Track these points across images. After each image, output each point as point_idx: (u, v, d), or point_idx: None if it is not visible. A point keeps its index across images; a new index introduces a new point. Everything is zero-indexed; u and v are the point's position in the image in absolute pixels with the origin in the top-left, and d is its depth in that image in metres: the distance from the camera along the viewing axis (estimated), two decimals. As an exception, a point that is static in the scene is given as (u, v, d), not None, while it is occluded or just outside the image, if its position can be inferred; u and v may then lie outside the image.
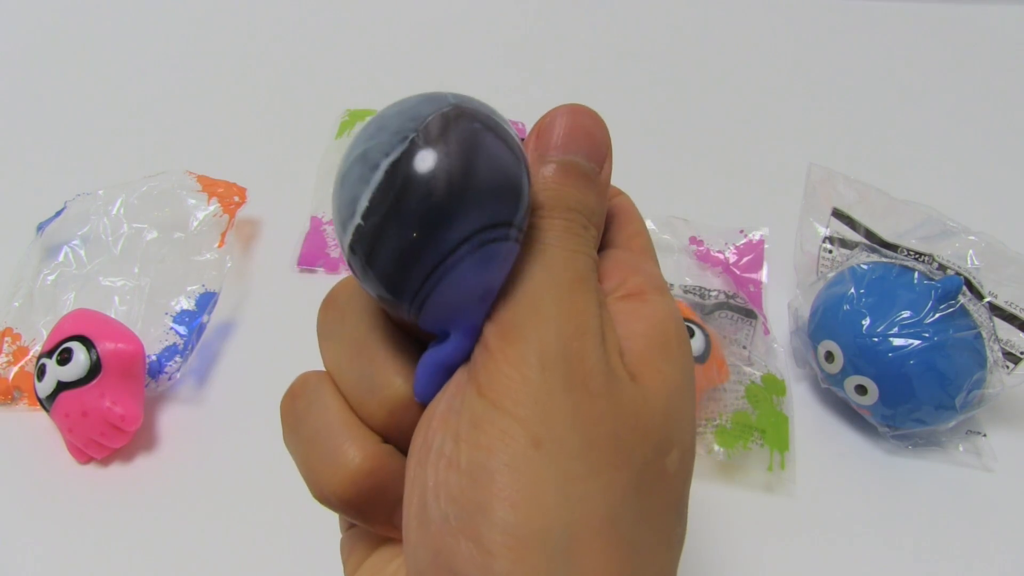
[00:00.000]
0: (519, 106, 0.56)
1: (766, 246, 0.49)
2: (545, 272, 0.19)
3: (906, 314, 0.38)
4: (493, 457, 0.17)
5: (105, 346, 0.39)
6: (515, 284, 0.18)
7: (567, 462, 0.17)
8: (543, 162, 0.20)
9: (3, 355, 0.43)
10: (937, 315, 0.37)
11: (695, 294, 0.45)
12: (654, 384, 0.19)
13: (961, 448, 0.40)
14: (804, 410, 0.42)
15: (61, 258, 0.47)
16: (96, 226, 0.47)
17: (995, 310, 0.40)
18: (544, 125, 0.20)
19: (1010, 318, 0.40)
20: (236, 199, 0.47)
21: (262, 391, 0.43)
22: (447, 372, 0.19)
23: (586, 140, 0.20)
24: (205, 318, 0.43)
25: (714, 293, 0.45)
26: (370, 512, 0.20)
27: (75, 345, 0.39)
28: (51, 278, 0.46)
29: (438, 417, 0.19)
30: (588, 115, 0.21)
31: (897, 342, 0.37)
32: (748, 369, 0.42)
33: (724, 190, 0.54)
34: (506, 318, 0.18)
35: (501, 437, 0.17)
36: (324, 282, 0.48)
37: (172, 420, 0.42)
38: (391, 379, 0.20)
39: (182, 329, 0.43)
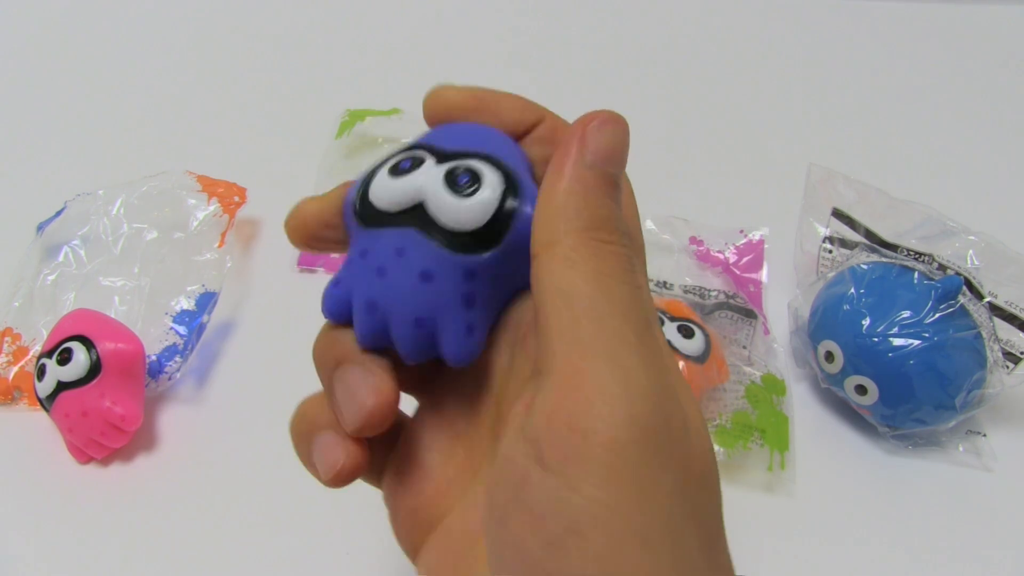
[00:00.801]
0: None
1: (766, 246, 0.49)
2: (618, 315, 0.17)
3: (906, 314, 0.38)
4: (589, 567, 0.15)
5: (105, 346, 0.39)
6: (579, 328, 0.17)
7: (682, 558, 0.15)
8: (589, 174, 0.19)
9: (3, 355, 0.43)
10: (937, 315, 0.37)
11: (695, 294, 0.45)
12: (696, 422, 0.17)
13: (961, 448, 0.40)
14: (804, 410, 0.42)
15: (61, 258, 0.47)
16: (96, 226, 0.47)
17: (995, 310, 0.40)
18: (589, 131, 0.19)
19: (1010, 318, 0.40)
20: (236, 199, 0.47)
21: (262, 391, 0.43)
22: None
23: (622, 155, 0.20)
24: (205, 318, 0.43)
25: (714, 293, 0.45)
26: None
27: (75, 345, 0.39)
28: (51, 278, 0.46)
29: (499, 506, 0.17)
30: (625, 130, 0.20)
31: (897, 342, 0.37)
32: (748, 369, 0.42)
33: (724, 190, 0.54)
34: (576, 369, 0.16)
35: (596, 539, 0.15)
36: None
37: (172, 420, 0.42)
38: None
39: (182, 329, 0.43)
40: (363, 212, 0.20)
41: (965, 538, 0.38)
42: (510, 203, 0.19)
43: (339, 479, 0.20)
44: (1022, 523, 0.38)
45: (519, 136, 0.22)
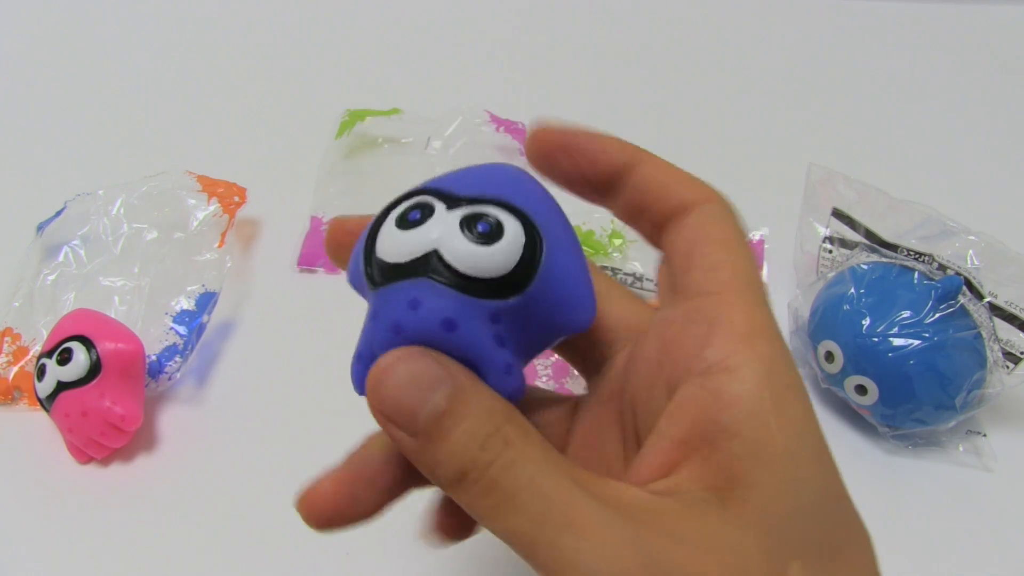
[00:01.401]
0: (519, 106, 0.56)
1: (766, 246, 0.49)
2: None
3: (906, 314, 0.38)
4: None
5: (105, 346, 0.39)
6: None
7: None
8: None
9: (3, 355, 0.43)
10: (937, 315, 0.37)
11: (695, 294, 0.45)
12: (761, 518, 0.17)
13: (961, 448, 0.40)
14: (804, 410, 0.42)
15: (61, 258, 0.47)
16: (96, 226, 0.47)
17: (995, 310, 0.40)
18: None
19: (1010, 318, 0.40)
20: (236, 199, 0.47)
21: (262, 391, 0.43)
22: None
23: None
24: (205, 318, 0.43)
25: (714, 293, 0.45)
26: None
27: (75, 345, 0.39)
28: (51, 278, 0.46)
29: None
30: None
31: (897, 342, 0.37)
32: (748, 369, 0.42)
33: (724, 190, 0.54)
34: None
35: None
36: (324, 282, 0.48)
37: (172, 420, 0.42)
38: None
39: (182, 329, 0.43)
40: (372, 272, 0.19)
41: (965, 538, 0.38)
42: (533, 251, 0.19)
43: (304, 506, 0.20)
44: (1022, 523, 0.38)
45: (612, 181, 0.21)
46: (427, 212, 0.19)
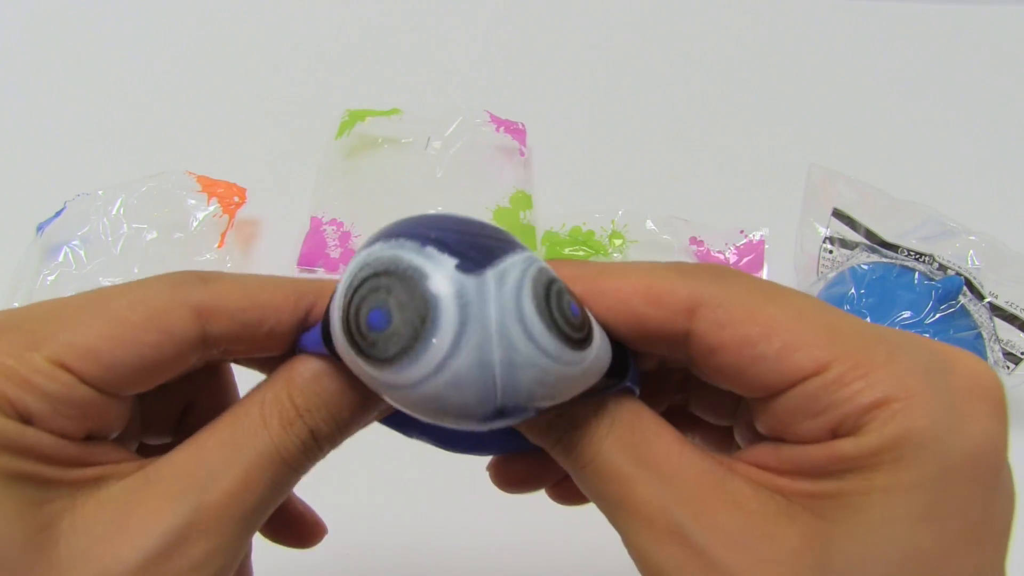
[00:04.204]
0: (519, 106, 0.56)
1: (766, 246, 0.49)
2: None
3: (906, 314, 0.38)
4: None
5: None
6: None
7: None
8: None
9: (3, 355, 0.43)
10: (937, 315, 0.37)
11: (695, 294, 0.45)
12: None
13: (961, 448, 0.40)
14: (804, 410, 0.42)
15: (61, 258, 0.47)
16: (96, 226, 0.47)
17: (995, 310, 0.40)
18: None
19: (1010, 318, 0.40)
20: (236, 199, 0.47)
21: (262, 391, 0.43)
22: None
23: None
24: (205, 318, 0.43)
25: (714, 293, 0.45)
26: None
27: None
28: (51, 278, 0.46)
29: None
30: None
31: (897, 342, 0.37)
32: (748, 369, 0.42)
33: (724, 190, 0.54)
34: None
35: None
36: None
37: (172, 420, 0.42)
38: None
39: (182, 329, 0.43)
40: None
41: (965, 538, 0.38)
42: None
43: None
44: (1022, 523, 0.38)
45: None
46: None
